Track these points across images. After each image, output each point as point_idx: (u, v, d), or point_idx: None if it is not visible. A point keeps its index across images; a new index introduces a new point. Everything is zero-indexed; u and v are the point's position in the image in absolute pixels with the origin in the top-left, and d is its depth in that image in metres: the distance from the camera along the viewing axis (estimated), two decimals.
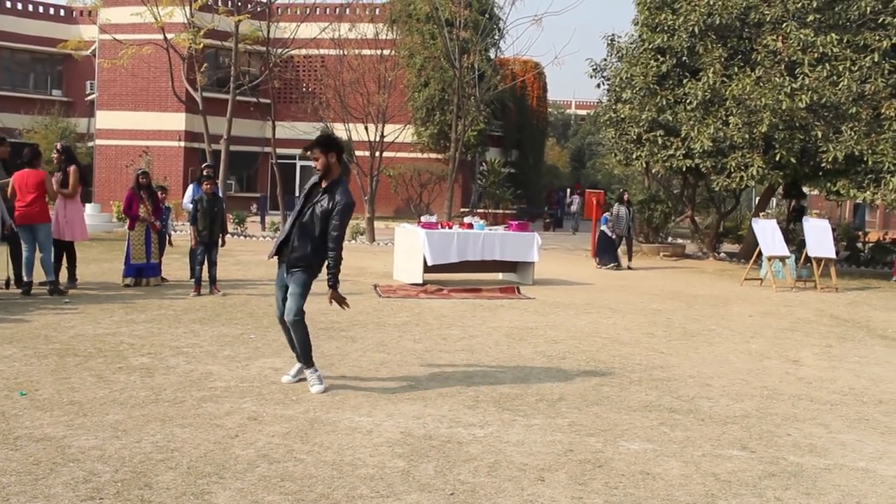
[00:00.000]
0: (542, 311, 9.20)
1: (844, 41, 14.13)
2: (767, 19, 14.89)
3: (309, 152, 5.15)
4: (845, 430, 4.90)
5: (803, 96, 13.68)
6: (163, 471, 3.63)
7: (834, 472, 4.09)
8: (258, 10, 23.59)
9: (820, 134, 14.12)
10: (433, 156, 28.59)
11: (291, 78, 29.35)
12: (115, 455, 3.80)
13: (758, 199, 20.96)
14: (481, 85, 20.86)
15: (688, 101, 15.42)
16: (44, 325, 6.89)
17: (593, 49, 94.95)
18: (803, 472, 4.08)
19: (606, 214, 15.69)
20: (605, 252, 15.24)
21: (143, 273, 9.67)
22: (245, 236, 19.45)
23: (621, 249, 15.55)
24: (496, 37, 23.68)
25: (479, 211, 25.92)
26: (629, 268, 15.22)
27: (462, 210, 24.90)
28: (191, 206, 9.83)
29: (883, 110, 13.88)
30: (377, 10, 25.20)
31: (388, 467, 3.83)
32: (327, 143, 5.14)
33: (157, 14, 19.27)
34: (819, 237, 13.39)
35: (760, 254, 13.36)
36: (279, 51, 21.88)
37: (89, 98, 32.68)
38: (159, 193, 10.28)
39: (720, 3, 15.12)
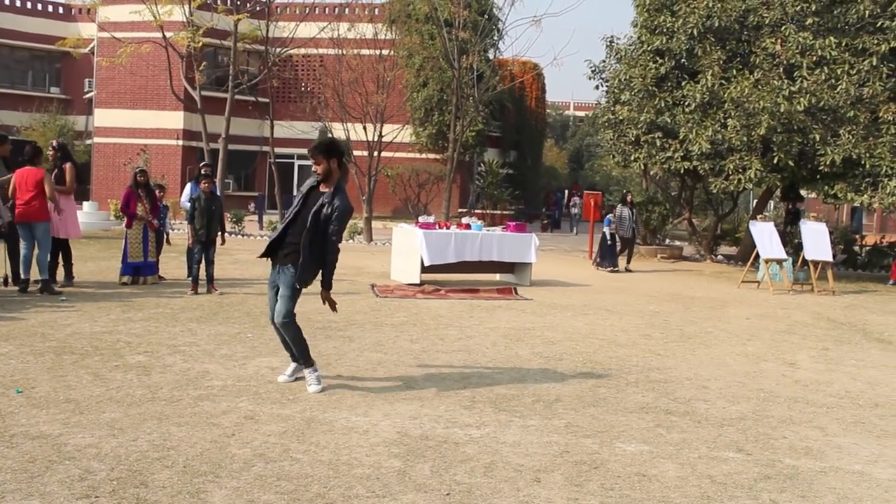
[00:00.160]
0: (540, 312, 9.21)
1: (843, 45, 14.14)
2: (766, 22, 14.90)
3: (310, 156, 5.16)
4: (841, 433, 4.91)
5: (801, 99, 13.70)
6: (159, 469, 3.63)
7: (830, 475, 4.10)
8: (257, 9, 23.60)
9: (818, 137, 14.15)
10: (431, 156, 28.57)
11: (290, 77, 29.40)
12: (110, 453, 3.80)
13: (755, 201, 21.00)
14: (480, 85, 20.85)
15: (686, 104, 15.43)
16: (40, 323, 6.88)
17: (592, 50, 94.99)
18: (799, 474, 4.08)
19: (610, 216, 15.58)
20: (607, 254, 15.20)
21: (140, 271, 9.67)
22: (243, 235, 19.44)
23: (619, 251, 15.52)
24: (495, 37, 23.68)
25: (476, 211, 25.96)
26: (627, 270, 15.21)
27: (460, 210, 24.94)
28: (188, 204, 9.82)
29: (881, 114, 13.89)
30: (376, 10, 25.27)
31: (384, 467, 3.83)
32: (329, 148, 5.14)
33: (157, 12, 19.29)
34: (816, 240, 13.42)
35: (758, 256, 13.39)
36: (278, 50, 21.92)
37: (88, 96, 32.63)
38: (157, 192, 10.25)
39: (719, 5, 15.13)
